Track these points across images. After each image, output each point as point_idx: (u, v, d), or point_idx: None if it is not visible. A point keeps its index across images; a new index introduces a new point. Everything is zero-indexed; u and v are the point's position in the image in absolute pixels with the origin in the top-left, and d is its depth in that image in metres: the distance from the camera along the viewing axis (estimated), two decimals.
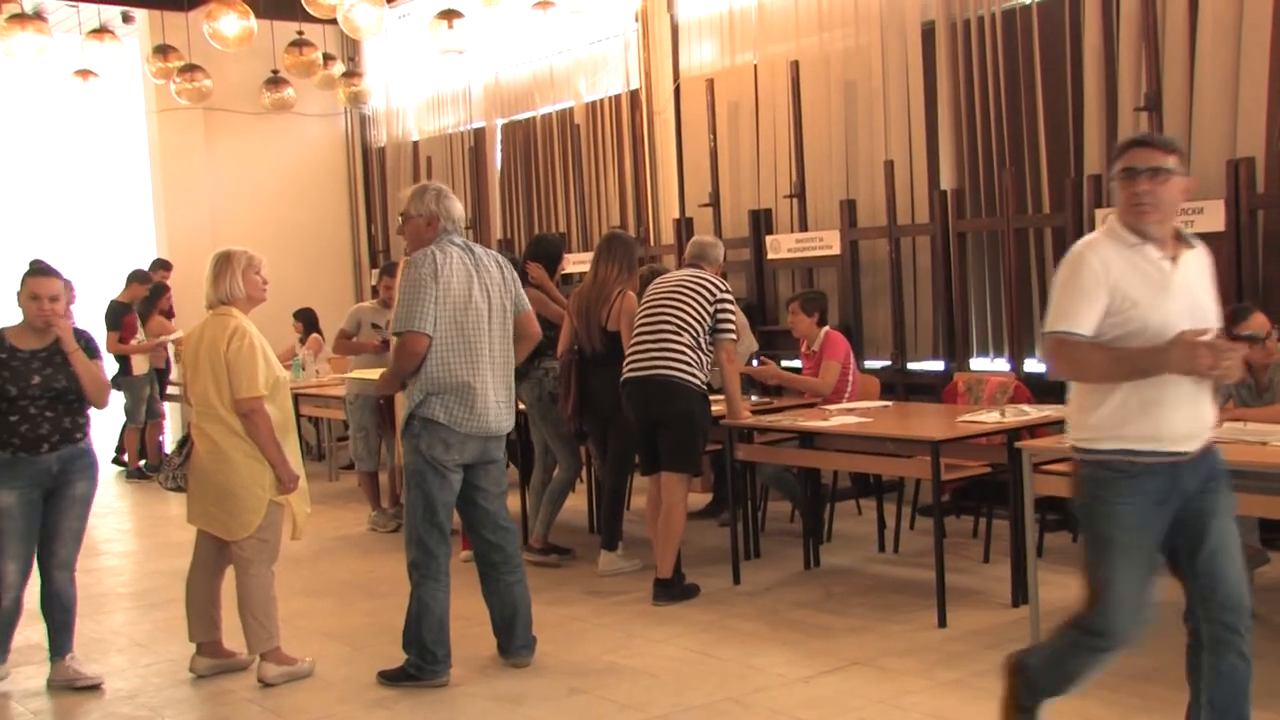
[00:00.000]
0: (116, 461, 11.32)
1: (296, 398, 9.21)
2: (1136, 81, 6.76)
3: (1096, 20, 6.93)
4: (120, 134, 14.32)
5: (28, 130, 14.77)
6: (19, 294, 4.98)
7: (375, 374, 6.63)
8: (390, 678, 4.91)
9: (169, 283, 11.17)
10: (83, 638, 5.80)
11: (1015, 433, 5.48)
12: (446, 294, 4.80)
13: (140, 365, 10.68)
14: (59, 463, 4.92)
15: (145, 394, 10.74)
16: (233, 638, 5.13)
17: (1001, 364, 7.52)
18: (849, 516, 7.52)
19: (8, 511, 4.86)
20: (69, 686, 5.07)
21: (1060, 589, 5.64)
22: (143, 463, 10.85)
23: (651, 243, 9.73)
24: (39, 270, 5.13)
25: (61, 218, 14.96)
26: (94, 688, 5.07)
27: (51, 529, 4.98)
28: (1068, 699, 4.28)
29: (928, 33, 7.86)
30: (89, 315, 11.55)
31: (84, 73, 11.23)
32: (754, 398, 7.24)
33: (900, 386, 7.85)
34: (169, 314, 11.03)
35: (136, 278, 11.07)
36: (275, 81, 11.40)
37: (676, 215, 9.63)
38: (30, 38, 9.44)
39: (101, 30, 10.79)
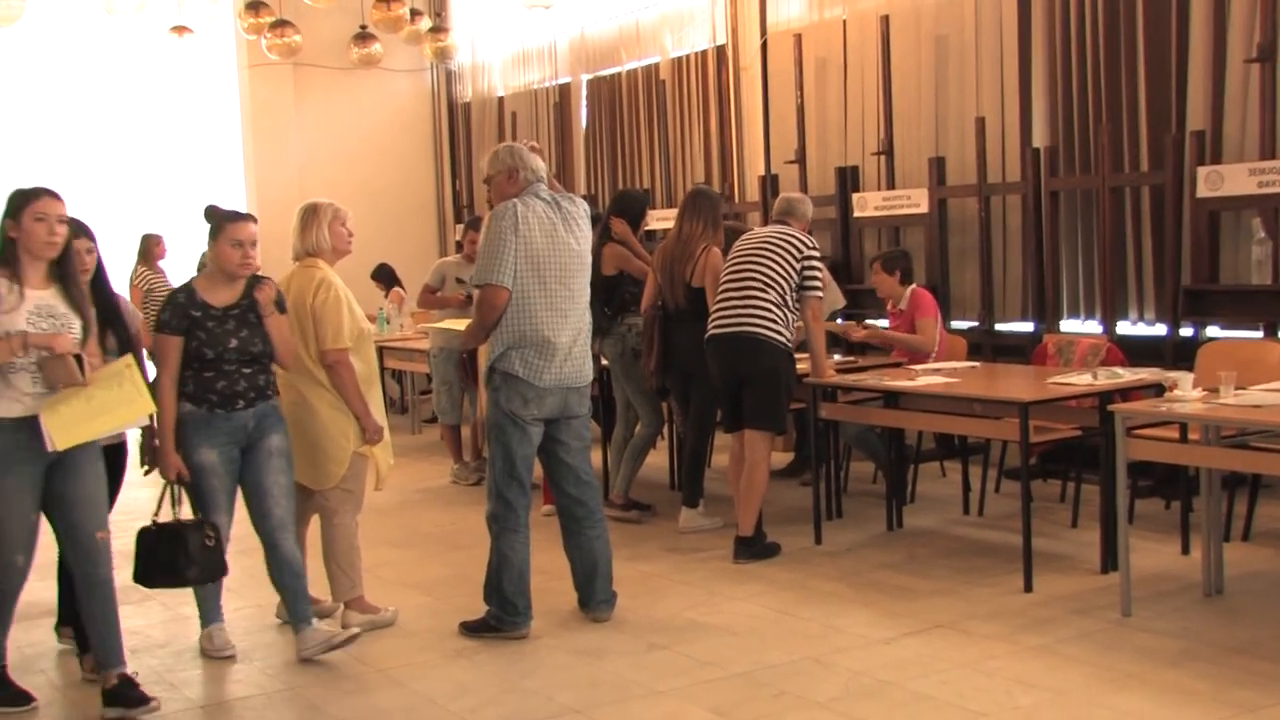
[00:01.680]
0: None
1: (380, 351, 9.31)
2: (1249, 30, 6.51)
3: None
4: (212, 90, 14.49)
5: (124, 85, 15.00)
6: (215, 241, 4.63)
7: (460, 324, 6.65)
8: (471, 629, 4.95)
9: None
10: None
11: (1108, 396, 5.35)
12: (528, 246, 4.79)
13: None
14: (254, 419, 4.67)
15: None
16: (318, 586, 5.20)
17: (1093, 326, 7.35)
18: (932, 478, 7.43)
19: (211, 468, 4.63)
20: (329, 648, 4.76)
21: (1151, 555, 5.54)
22: None
23: (736, 200, 9.64)
24: (237, 215, 4.72)
25: (154, 172, 15.20)
26: (348, 641, 4.79)
27: (258, 488, 4.71)
28: (1163, 673, 4.21)
29: None
30: (181, 267, 11.78)
31: (179, 29, 11.39)
32: (837, 356, 7.16)
33: (987, 347, 7.71)
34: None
35: None
36: (363, 37, 11.44)
37: (762, 172, 9.52)
38: None
39: None
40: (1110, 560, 5.35)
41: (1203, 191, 6.57)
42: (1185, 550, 5.61)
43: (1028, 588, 5.19)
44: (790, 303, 5.92)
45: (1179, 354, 6.58)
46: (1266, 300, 6.51)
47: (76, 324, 4.12)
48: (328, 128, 12.97)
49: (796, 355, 6.08)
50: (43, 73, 14.55)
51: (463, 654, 4.77)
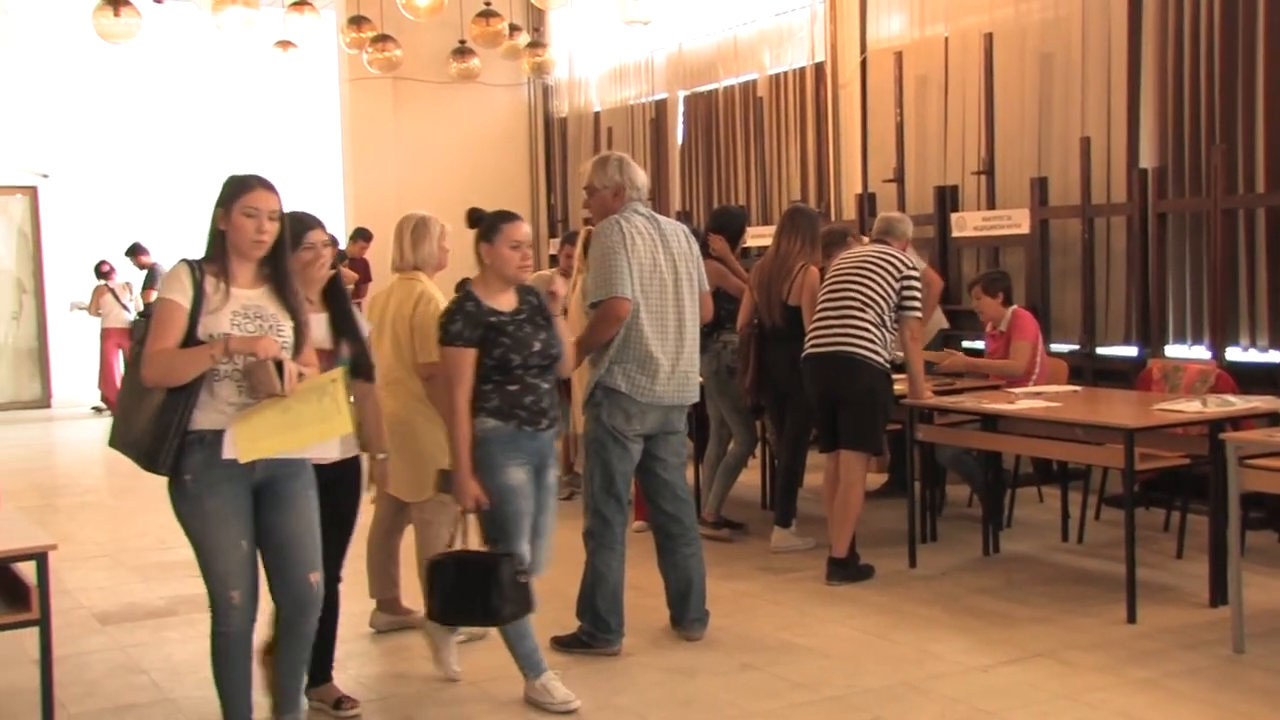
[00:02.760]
0: None
1: None
2: None
3: None
4: (314, 103, 14.76)
5: (229, 98, 15.34)
6: (491, 244, 4.27)
7: None
8: (563, 644, 4.94)
9: (368, 253, 11.51)
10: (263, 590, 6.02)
11: (1219, 424, 5.20)
12: (634, 262, 4.78)
13: None
14: (549, 442, 4.33)
15: None
16: (411, 596, 5.23)
17: (1201, 351, 7.16)
18: (1030, 503, 7.29)
19: (520, 489, 4.20)
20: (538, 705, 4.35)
21: (1263, 590, 5.37)
22: None
23: (833, 218, 9.57)
24: (511, 215, 4.35)
25: None
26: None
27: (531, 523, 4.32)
28: None
29: (1134, 0, 7.49)
30: None
31: (284, 44, 11.61)
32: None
33: (1088, 371, 7.55)
34: (365, 279, 11.37)
35: (360, 235, 11.46)
36: (462, 52, 11.59)
37: (859, 190, 9.44)
38: (239, 11, 9.87)
39: (302, 3, 11.11)
40: (1220, 594, 5.18)
41: None
42: None
43: (1131, 619, 5.05)
44: (889, 323, 5.85)
45: None
46: None
47: (287, 327, 3.66)
48: (425, 141, 13.13)
49: (894, 376, 6.00)
50: (153, 86, 14.93)
51: (554, 669, 4.75)
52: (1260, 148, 6.83)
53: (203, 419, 3.53)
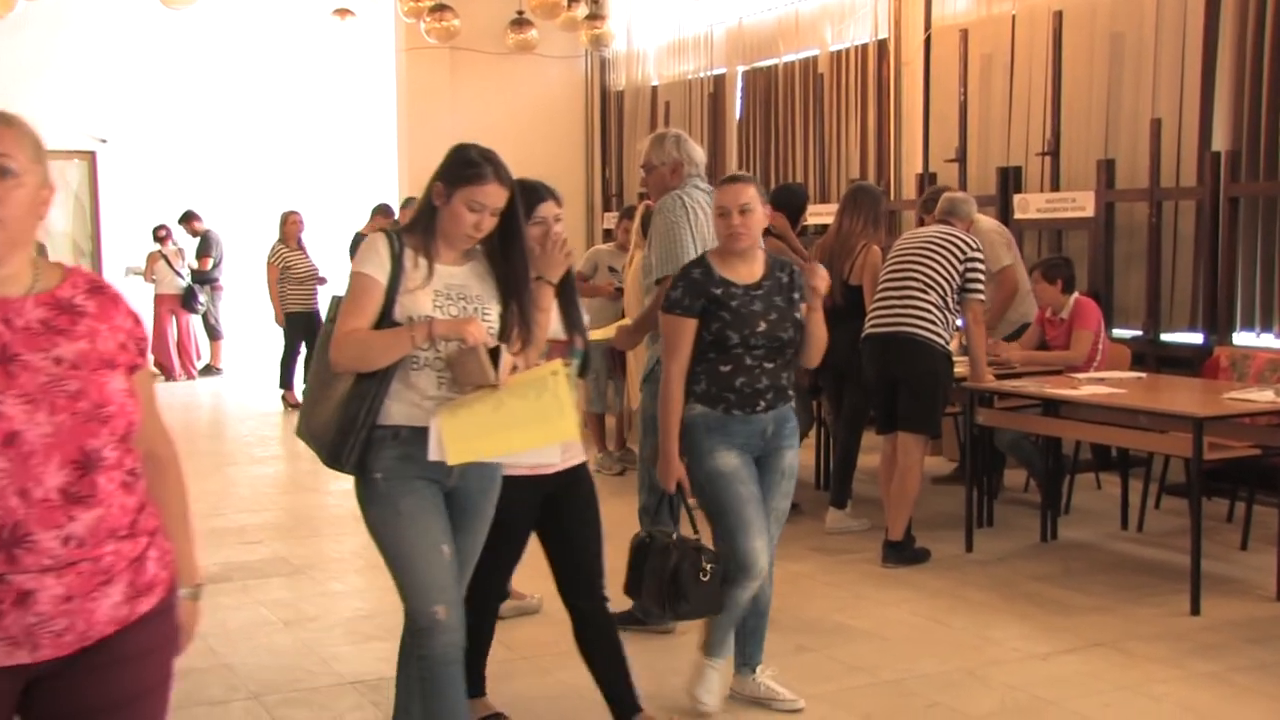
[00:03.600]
0: None
1: None
2: None
3: None
4: (370, 72, 14.78)
5: (285, 66, 15.39)
6: (714, 205, 3.95)
7: (608, 332, 6.64)
8: (619, 620, 4.90)
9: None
10: (323, 557, 6.07)
11: None
12: (698, 238, 4.73)
13: None
14: (774, 423, 3.90)
15: None
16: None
17: (1269, 339, 7.01)
18: (1088, 490, 7.18)
19: (734, 473, 3.82)
20: (760, 703, 4.12)
21: None
22: None
23: (893, 197, 9.45)
24: (732, 178, 3.94)
25: (313, 152, 15.57)
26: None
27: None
28: None
29: None
30: (333, 248, 12.04)
31: (342, 11, 11.63)
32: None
33: (1151, 358, 7.42)
34: None
35: (380, 211, 11.43)
36: (520, 23, 11.53)
37: (920, 170, 9.32)
38: None
39: None
40: None
41: None
42: None
43: (1195, 610, 4.96)
44: (951, 305, 5.76)
45: None
46: None
47: (494, 311, 3.21)
48: (482, 112, 13.08)
49: (955, 358, 5.92)
50: (208, 52, 15.01)
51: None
52: None
53: (396, 412, 3.13)
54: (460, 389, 3.12)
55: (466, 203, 3.14)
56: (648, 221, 5.29)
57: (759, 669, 4.13)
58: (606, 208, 13.08)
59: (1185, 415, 5.16)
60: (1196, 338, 7.38)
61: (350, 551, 6.19)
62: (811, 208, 9.47)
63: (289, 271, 11.12)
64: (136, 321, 2.13)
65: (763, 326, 3.82)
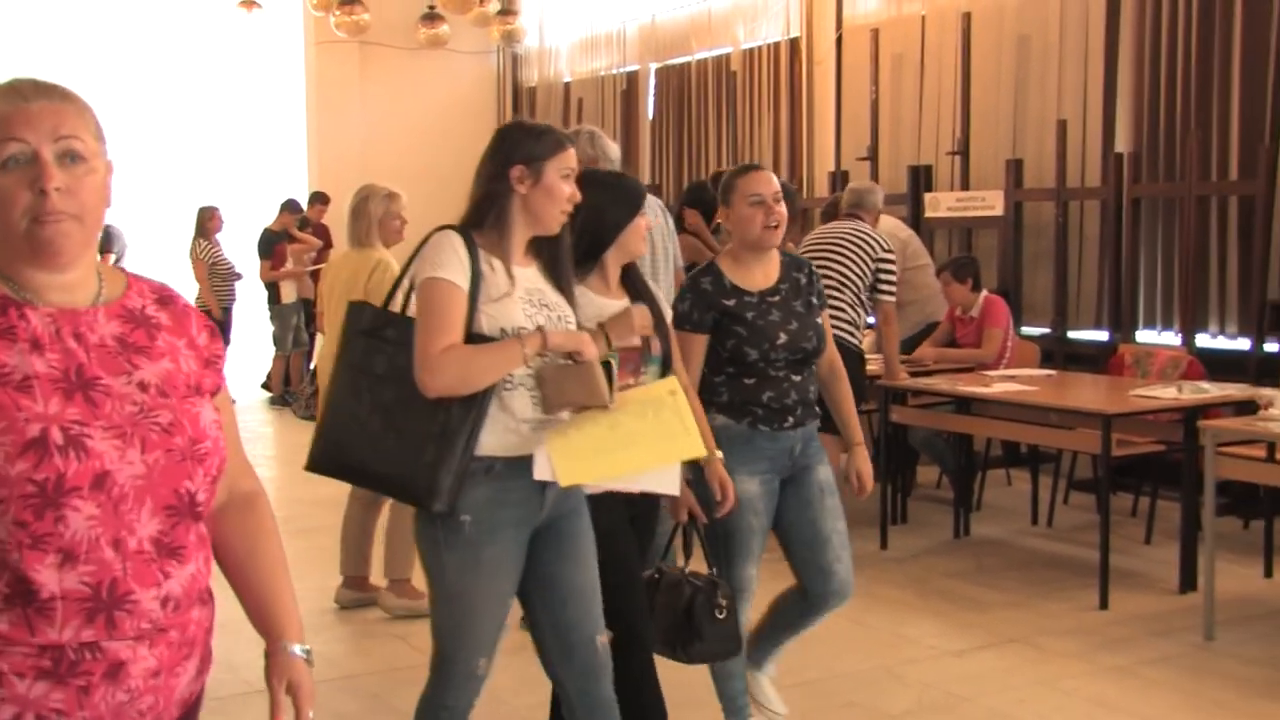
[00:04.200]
0: (265, 388, 11.54)
1: None
2: None
3: None
4: (278, 66, 14.53)
5: (189, 58, 15.08)
6: (729, 206, 3.49)
7: None
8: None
9: (326, 217, 11.31)
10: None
11: (1194, 411, 5.20)
12: None
13: (288, 294, 10.86)
14: (802, 440, 3.52)
15: (292, 322, 10.93)
16: (379, 574, 5.15)
17: (1170, 337, 7.17)
18: (999, 486, 7.28)
19: (749, 503, 3.41)
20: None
21: (1231, 577, 5.37)
22: (286, 390, 11.05)
23: (805, 195, 9.50)
24: (750, 167, 3.59)
25: (217, 145, 15.28)
26: None
27: (815, 534, 3.54)
28: (1254, 704, 4.04)
29: None
30: (241, 244, 11.81)
31: (248, 3, 11.38)
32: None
33: (1059, 355, 7.54)
34: (327, 246, 11.21)
35: (288, 206, 11.24)
36: (431, 17, 11.40)
37: (832, 168, 9.38)
38: None
39: None
40: (1189, 580, 5.19)
41: None
42: (1268, 573, 5.44)
43: (1103, 605, 5.05)
44: (864, 303, 5.79)
45: (1263, 370, 6.40)
46: None
47: (573, 318, 2.84)
48: (392, 107, 12.94)
49: (869, 356, 5.96)
50: (108, 42, 14.64)
51: (526, 647, 4.62)
52: (1234, 135, 6.83)
53: (489, 441, 2.70)
54: (555, 410, 2.74)
55: (560, 171, 2.77)
56: None
57: (765, 669, 3.83)
58: None
59: (1094, 412, 5.24)
60: (1102, 335, 7.52)
61: None
62: None
63: (215, 268, 10.91)
64: (213, 335, 1.79)
65: (783, 339, 3.42)
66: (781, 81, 9.94)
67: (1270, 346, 6.59)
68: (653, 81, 11.51)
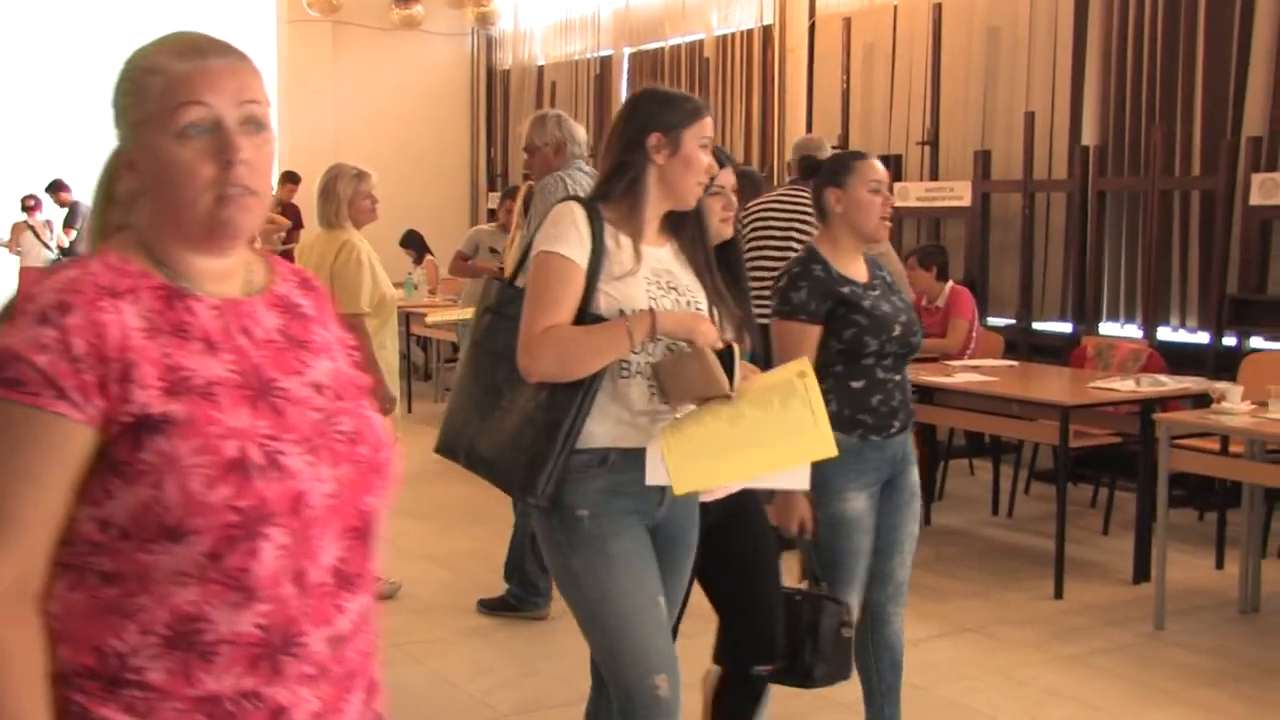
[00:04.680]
0: None
1: (406, 317, 9.23)
2: None
3: None
4: (249, 44, 14.39)
5: (163, 33, 14.96)
6: (844, 188, 3.20)
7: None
8: (490, 607, 4.88)
9: (296, 197, 11.26)
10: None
11: (1150, 403, 5.24)
12: None
13: None
14: (903, 447, 3.27)
15: None
16: None
17: (1133, 330, 7.22)
18: (960, 475, 7.33)
19: (859, 522, 3.16)
20: None
21: (1184, 568, 5.43)
22: None
23: (775, 182, 9.51)
24: (864, 154, 3.39)
25: None
26: None
27: (890, 538, 3.27)
28: (1199, 692, 4.10)
29: None
30: None
31: None
32: None
33: (1023, 346, 7.59)
34: (297, 225, 11.17)
35: None
36: None
37: None
38: None
39: None
40: (1143, 571, 5.25)
41: (1255, 199, 6.43)
42: (1219, 565, 5.50)
43: (1059, 594, 5.10)
44: None
45: (1221, 363, 6.46)
46: None
47: (704, 302, 2.62)
48: (364, 88, 12.87)
49: None
50: (75, 19, 14.50)
51: (479, 632, 4.70)
52: (1197, 130, 6.88)
53: (601, 432, 2.51)
54: (672, 401, 2.52)
55: (699, 139, 2.58)
56: (529, 202, 5.24)
57: None
58: (491, 187, 12.97)
59: (1053, 404, 5.28)
60: (1066, 327, 7.57)
61: None
62: None
63: None
64: (342, 325, 1.59)
65: (898, 330, 3.17)
66: (754, 69, 9.94)
67: (1229, 340, 6.65)
68: (626, 66, 11.49)
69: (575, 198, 2.65)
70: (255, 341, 1.41)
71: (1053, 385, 5.81)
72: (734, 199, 3.01)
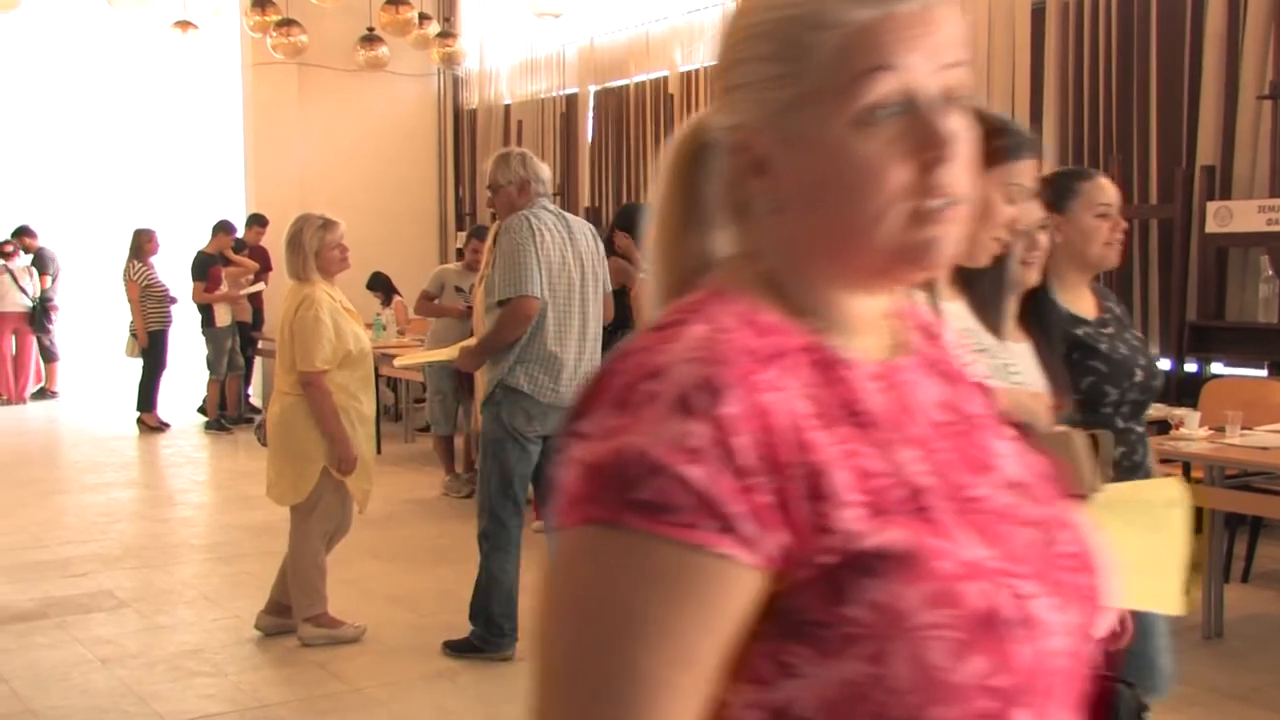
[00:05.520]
0: (202, 412, 11.40)
1: (376, 360, 9.20)
2: (1261, 67, 6.45)
3: (1222, 1, 6.62)
4: (215, 88, 14.44)
5: (124, 79, 14.95)
6: (1066, 214, 2.81)
7: (444, 354, 6.57)
8: (455, 648, 4.84)
9: (264, 240, 11.24)
10: (152, 588, 5.86)
11: None
12: (544, 259, 4.70)
13: (223, 317, 10.78)
14: None
15: (227, 346, 10.84)
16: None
17: None
18: None
19: None
20: None
21: None
22: (221, 414, 10.94)
23: None
24: (1089, 173, 3.13)
25: (153, 167, 15.15)
26: None
27: None
28: (1166, 719, 4.10)
29: (1037, 13, 7.57)
30: (176, 266, 11.71)
31: (184, 24, 11.33)
32: None
33: None
34: (265, 269, 11.14)
35: (222, 228, 11.17)
36: (370, 39, 11.37)
37: None
38: None
39: None
40: None
41: (1211, 227, 6.49)
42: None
43: None
44: None
45: (1182, 390, 6.49)
46: (1273, 338, 6.44)
47: (1021, 369, 2.21)
48: (331, 130, 12.88)
49: None
50: (40, 63, 14.50)
51: (445, 674, 4.67)
52: (1153, 160, 6.96)
53: None
54: None
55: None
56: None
57: None
58: (460, 227, 12.98)
59: None
60: None
61: (180, 582, 5.99)
62: None
63: (149, 290, 10.82)
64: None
65: (1139, 375, 2.79)
66: None
67: (1190, 367, 6.70)
68: (592, 104, 11.55)
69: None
70: (929, 426, 0.97)
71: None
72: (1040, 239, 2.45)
